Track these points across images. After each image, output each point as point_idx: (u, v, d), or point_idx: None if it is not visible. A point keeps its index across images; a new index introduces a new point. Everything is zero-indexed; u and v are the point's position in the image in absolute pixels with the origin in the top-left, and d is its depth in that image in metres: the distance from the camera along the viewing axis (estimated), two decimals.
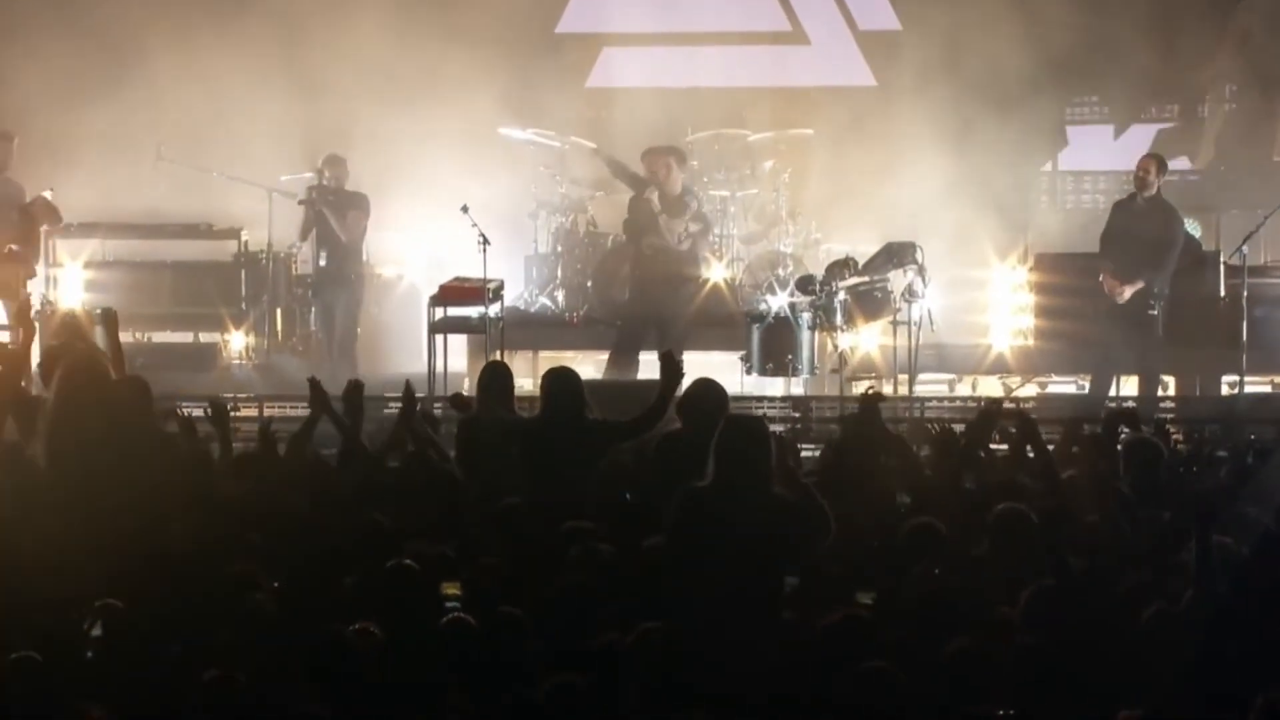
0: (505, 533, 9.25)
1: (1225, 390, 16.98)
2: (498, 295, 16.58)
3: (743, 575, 8.22)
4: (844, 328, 16.33)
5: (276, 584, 8.52)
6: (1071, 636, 7.77)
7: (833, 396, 16.31)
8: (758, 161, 18.98)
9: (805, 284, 16.55)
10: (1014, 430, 10.59)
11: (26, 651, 7.54)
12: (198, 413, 10.33)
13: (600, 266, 18.17)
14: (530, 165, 18.96)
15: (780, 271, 17.42)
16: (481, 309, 16.34)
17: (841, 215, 18.84)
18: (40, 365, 10.90)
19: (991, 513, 8.92)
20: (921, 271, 16.36)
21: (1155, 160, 16.41)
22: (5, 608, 8.32)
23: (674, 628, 7.81)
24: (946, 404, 16.73)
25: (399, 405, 10.88)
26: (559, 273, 18.41)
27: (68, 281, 17.92)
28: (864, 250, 17.03)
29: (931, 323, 16.46)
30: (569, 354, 17.38)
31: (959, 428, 10.79)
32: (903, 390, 16.34)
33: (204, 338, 18.24)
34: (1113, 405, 15.55)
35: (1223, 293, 17.07)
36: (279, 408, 14.83)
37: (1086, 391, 16.66)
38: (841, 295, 16.31)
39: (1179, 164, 19.85)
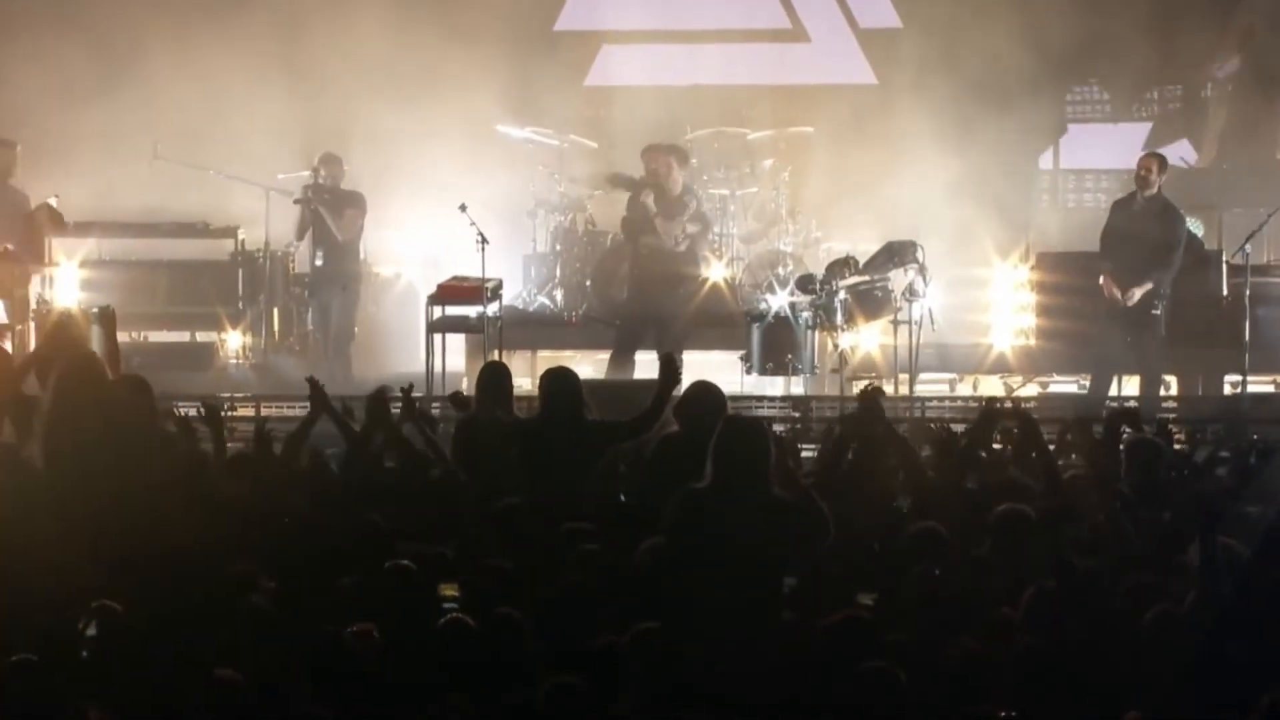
0: (504, 533, 9.22)
1: (1228, 390, 16.95)
2: (496, 294, 16.54)
3: (741, 576, 8.20)
4: (844, 327, 16.31)
5: (275, 584, 8.50)
6: (1073, 637, 7.75)
7: (833, 396, 16.27)
8: (757, 160, 18.96)
9: (805, 283, 16.53)
10: (1015, 430, 10.57)
11: (25, 655, 7.53)
12: (191, 413, 10.31)
13: (599, 265, 18.14)
14: (529, 163, 18.95)
15: (780, 270, 17.39)
16: (480, 308, 16.30)
17: (842, 214, 18.82)
18: (36, 365, 10.87)
19: (993, 513, 8.90)
20: (922, 270, 16.33)
21: (1156, 159, 16.35)
22: (3, 609, 8.31)
23: (672, 628, 7.79)
24: (947, 404, 16.69)
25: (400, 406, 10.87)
26: (558, 272, 18.38)
27: (63, 281, 17.86)
28: (864, 249, 17.01)
29: (932, 322, 16.42)
30: (567, 353, 17.37)
31: (960, 428, 10.75)
32: (903, 390, 16.30)
33: (200, 337, 18.21)
34: (1115, 405, 15.51)
35: (1225, 292, 17.03)
36: (276, 407, 14.79)
37: (1087, 391, 16.62)
38: (842, 294, 16.28)
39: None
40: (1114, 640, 7.77)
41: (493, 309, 16.43)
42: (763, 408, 15.67)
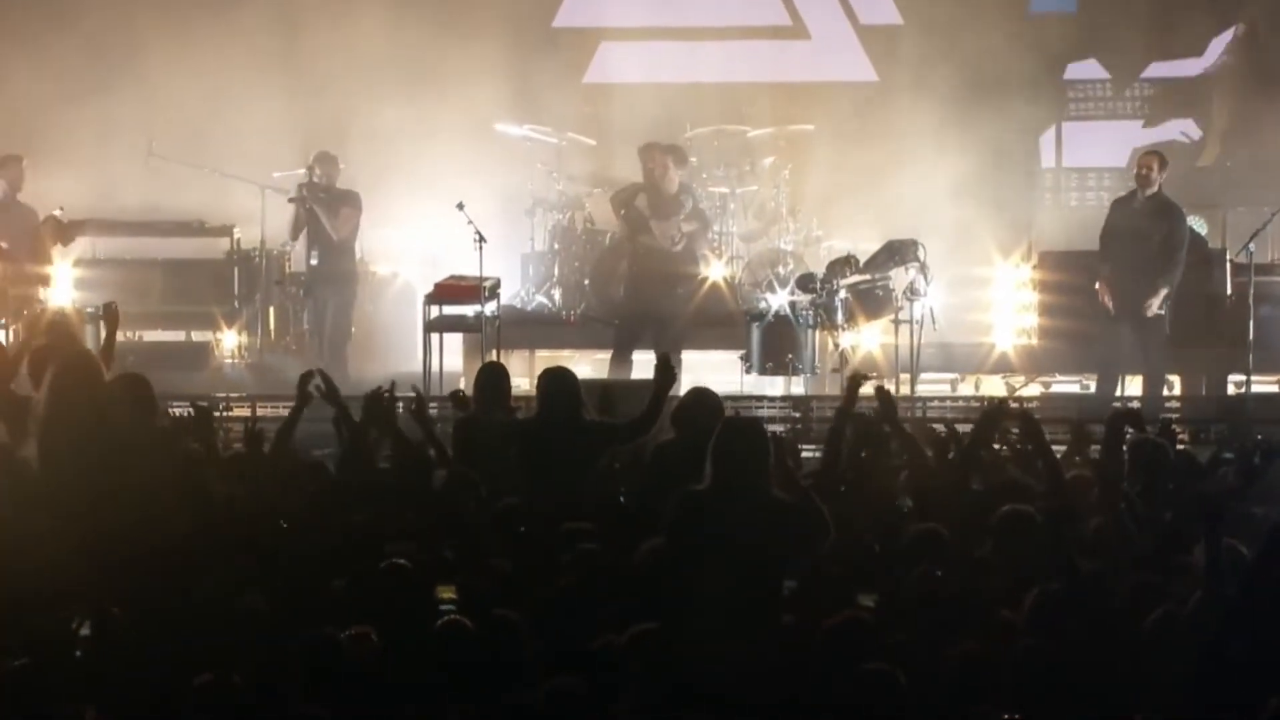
0: (503, 533, 9.18)
1: (1231, 390, 16.91)
2: (494, 293, 16.50)
3: (741, 577, 8.17)
4: (845, 326, 16.27)
5: (271, 585, 8.44)
6: (1076, 638, 7.70)
7: (833, 396, 16.20)
8: (758, 158, 18.92)
9: (806, 282, 16.49)
10: (1017, 431, 10.51)
11: (22, 660, 7.49)
12: (182, 415, 10.29)
13: (598, 264, 18.10)
14: (527, 161, 18.91)
15: (780, 269, 17.35)
16: (477, 307, 16.27)
17: (842, 212, 18.79)
18: (29, 365, 10.80)
19: (995, 514, 8.86)
20: (923, 269, 16.29)
21: (1157, 157, 16.29)
22: None
23: (672, 629, 7.76)
24: (949, 403, 16.64)
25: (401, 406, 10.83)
26: (556, 270, 18.33)
27: (58, 279, 17.80)
28: (865, 248, 16.97)
29: (934, 321, 16.38)
30: (566, 353, 17.35)
31: (962, 428, 10.70)
32: (905, 390, 16.24)
33: (196, 336, 18.21)
34: (1117, 405, 15.46)
35: (1229, 291, 16.98)
36: (271, 407, 14.72)
37: (1092, 391, 16.58)
38: (842, 293, 16.25)
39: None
40: (1117, 641, 7.73)
41: (490, 308, 16.40)
42: (763, 408, 15.65)
